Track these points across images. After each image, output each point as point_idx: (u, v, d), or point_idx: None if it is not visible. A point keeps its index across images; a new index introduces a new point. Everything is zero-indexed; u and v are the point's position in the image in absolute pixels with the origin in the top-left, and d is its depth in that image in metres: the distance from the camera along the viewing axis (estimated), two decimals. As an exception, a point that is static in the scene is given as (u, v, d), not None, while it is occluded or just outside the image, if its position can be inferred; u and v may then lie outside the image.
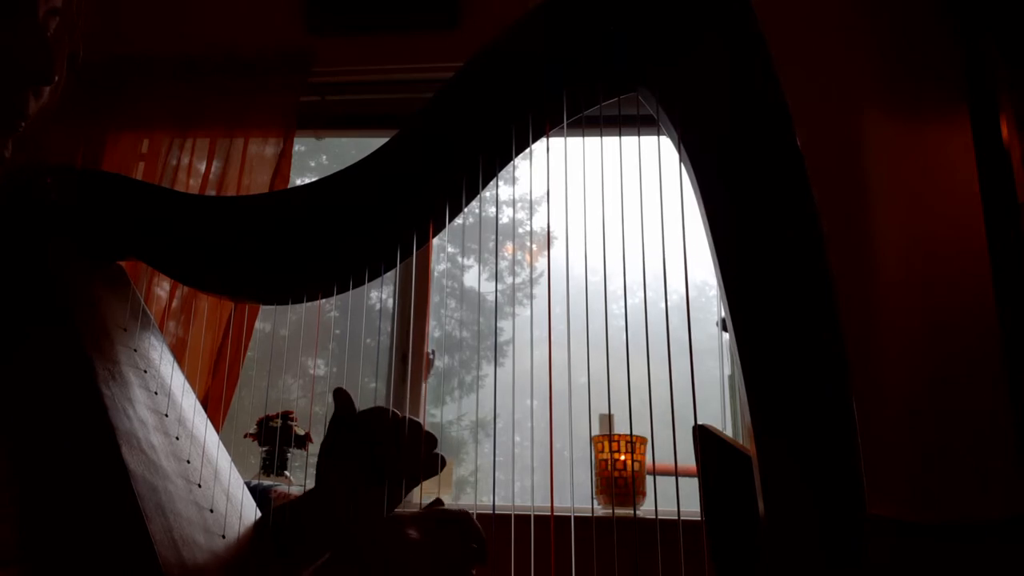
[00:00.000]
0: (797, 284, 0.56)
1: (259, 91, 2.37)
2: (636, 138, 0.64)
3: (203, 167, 2.42)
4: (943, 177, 2.08)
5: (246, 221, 0.72)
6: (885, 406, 1.91)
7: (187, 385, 0.80)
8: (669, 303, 0.61)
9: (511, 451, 0.95)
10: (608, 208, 0.64)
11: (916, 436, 1.90)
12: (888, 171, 2.13)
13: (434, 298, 2.56)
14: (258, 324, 2.34)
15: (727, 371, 2.06)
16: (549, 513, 0.66)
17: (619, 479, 2.04)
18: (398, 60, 2.42)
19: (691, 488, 0.63)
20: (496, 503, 0.84)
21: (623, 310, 0.65)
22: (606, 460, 2.06)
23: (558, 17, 0.65)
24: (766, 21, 0.61)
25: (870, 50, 2.18)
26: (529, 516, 0.73)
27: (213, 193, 2.37)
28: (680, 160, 0.62)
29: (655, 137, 0.63)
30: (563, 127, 0.68)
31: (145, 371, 0.75)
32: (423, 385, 2.34)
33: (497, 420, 0.81)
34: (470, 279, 4.30)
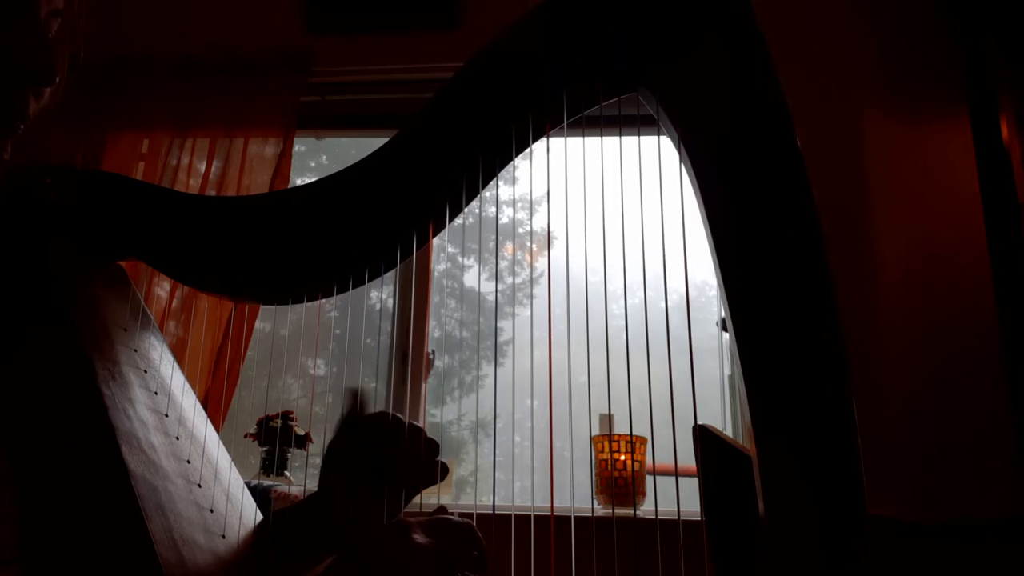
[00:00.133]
0: (797, 284, 0.56)
1: (259, 91, 2.37)
2: (636, 138, 0.64)
3: (203, 167, 2.42)
4: (943, 177, 2.07)
5: (246, 221, 0.72)
6: (885, 406, 1.91)
7: (187, 385, 0.80)
8: (669, 303, 0.61)
9: (511, 451, 0.95)
10: (608, 208, 0.64)
11: (916, 436, 1.90)
12: (888, 171, 2.13)
13: (434, 298, 2.56)
14: (258, 324, 2.34)
15: (727, 371, 2.06)
16: (549, 513, 0.66)
17: (619, 479, 2.04)
18: (398, 60, 2.42)
19: (691, 488, 0.63)
20: (496, 503, 0.84)
21: (623, 310, 0.65)
22: (606, 460, 2.06)
23: (558, 17, 0.65)
24: (766, 21, 0.61)
25: (870, 50, 2.18)
26: (529, 516, 0.72)
27: (213, 193, 2.37)
28: (680, 160, 0.62)
29: (655, 137, 0.63)
30: (563, 127, 0.68)
31: (145, 371, 0.75)
32: (423, 385, 2.34)
33: (497, 420, 0.80)
34: (470, 279, 4.30)
